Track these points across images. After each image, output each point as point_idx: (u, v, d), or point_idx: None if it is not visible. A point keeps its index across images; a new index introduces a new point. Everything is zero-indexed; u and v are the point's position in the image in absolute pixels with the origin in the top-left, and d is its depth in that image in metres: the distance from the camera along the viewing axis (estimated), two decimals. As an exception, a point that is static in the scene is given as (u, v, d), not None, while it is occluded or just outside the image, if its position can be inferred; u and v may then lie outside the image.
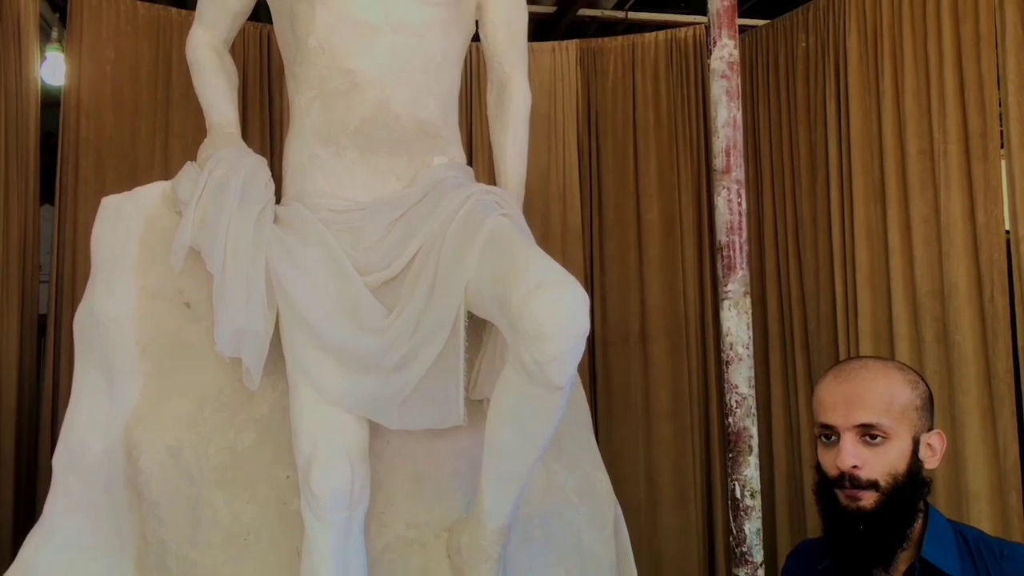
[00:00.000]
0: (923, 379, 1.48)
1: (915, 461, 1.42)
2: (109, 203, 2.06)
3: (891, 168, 3.48)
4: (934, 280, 3.32)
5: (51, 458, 1.97)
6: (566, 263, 4.37)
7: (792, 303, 4.12)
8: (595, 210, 4.65)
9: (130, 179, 4.00)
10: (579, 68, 4.72)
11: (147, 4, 4.28)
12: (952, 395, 3.19)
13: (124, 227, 2.01)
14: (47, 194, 4.20)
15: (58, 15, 4.38)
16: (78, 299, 3.85)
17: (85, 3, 4.14)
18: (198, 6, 2.29)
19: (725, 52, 2.93)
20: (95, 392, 1.99)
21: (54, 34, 4.38)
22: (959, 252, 3.21)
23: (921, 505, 1.44)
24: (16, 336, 3.72)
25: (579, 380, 2.13)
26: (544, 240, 4.34)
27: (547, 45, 4.69)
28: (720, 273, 2.93)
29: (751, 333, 2.91)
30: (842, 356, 3.75)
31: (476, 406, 1.93)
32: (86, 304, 2.06)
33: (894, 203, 3.47)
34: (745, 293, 2.90)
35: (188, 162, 2.06)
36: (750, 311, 2.92)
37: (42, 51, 4.19)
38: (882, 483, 1.40)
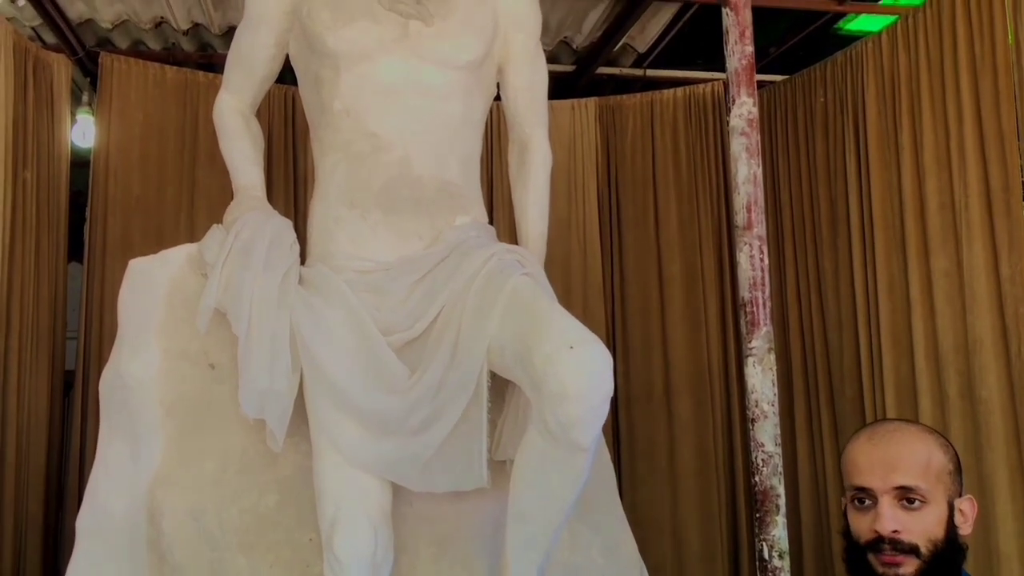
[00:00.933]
0: (952, 447, 1.46)
1: (951, 527, 1.39)
2: (136, 266, 2.09)
3: (912, 222, 3.47)
4: (957, 334, 3.29)
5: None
6: (587, 318, 4.39)
7: (816, 357, 4.09)
8: (616, 265, 4.66)
9: (157, 238, 4.07)
10: (598, 125, 4.77)
11: (175, 68, 4.39)
12: (979, 452, 3.14)
13: (150, 290, 2.03)
14: (75, 251, 4.27)
15: (89, 79, 4.50)
16: (105, 356, 3.90)
17: (115, 68, 4.26)
18: (225, 72, 2.34)
19: (744, 110, 2.96)
20: (119, 454, 2.00)
21: (84, 98, 4.49)
22: (983, 306, 3.17)
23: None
24: (46, 394, 3.76)
25: (603, 439, 2.11)
26: (565, 295, 4.34)
27: (567, 103, 4.75)
28: (744, 329, 2.92)
29: (776, 390, 2.89)
30: (867, 411, 3.70)
31: (500, 467, 1.92)
32: (112, 366, 2.08)
33: (915, 257, 3.45)
34: (769, 349, 2.88)
35: (214, 225, 2.09)
36: (775, 368, 2.89)
37: (73, 114, 4.30)
38: (923, 549, 1.36)
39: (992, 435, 3.11)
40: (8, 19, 3.58)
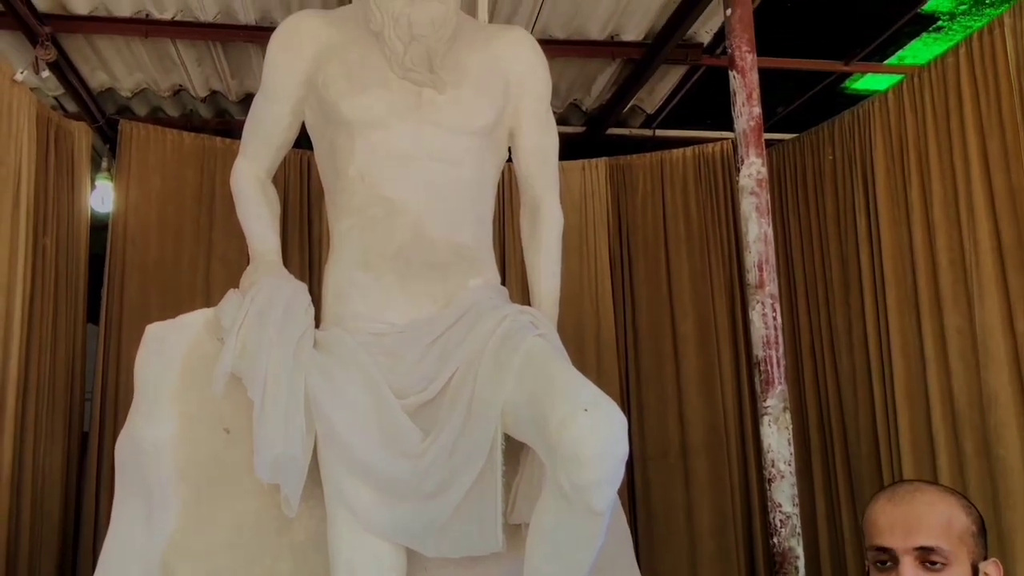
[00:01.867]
0: (975, 507, 1.45)
1: None
2: (153, 331, 2.11)
3: (924, 279, 3.47)
4: (972, 391, 3.26)
5: (90, 584, 1.96)
6: (601, 376, 4.41)
7: (831, 414, 4.07)
8: (629, 322, 4.66)
9: (173, 301, 4.11)
10: (609, 184, 4.82)
11: (192, 134, 4.48)
12: (997, 511, 3.08)
13: (167, 355, 2.05)
14: (92, 312, 4.31)
15: (108, 146, 4.60)
16: (121, 419, 3.92)
17: (134, 134, 4.35)
18: (243, 139, 2.39)
19: (753, 170, 3.00)
20: (134, 519, 2.00)
21: (104, 164, 4.58)
22: (998, 363, 3.15)
23: None
24: (61, 456, 3.77)
25: (619, 501, 2.10)
26: (578, 353, 4.34)
27: (577, 163, 4.81)
28: (758, 388, 2.91)
29: (792, 449, 2.87)
30: (884, 468, 3.66)
31: (515, 531, 1.90)
32: (128, 430, 2.09)
33: (928, 314, 3.44)
34: (784, 408, 2.88)
35: (231, 289, 2.12)
36: (790, 427, 2.89)
37: (92, 180, 4.38)
38: None
39: (1011, 494, 3.06)
40: (32, 89, 3.66)
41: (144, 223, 4.30)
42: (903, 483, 1.52)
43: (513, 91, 2.30)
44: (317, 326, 2.14)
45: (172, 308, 4.07)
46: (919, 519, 1.38)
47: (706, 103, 4.75)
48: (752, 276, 2.94)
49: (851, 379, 3.93)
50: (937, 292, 3.41)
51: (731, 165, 4.52)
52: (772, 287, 2.92)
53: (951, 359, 3.32)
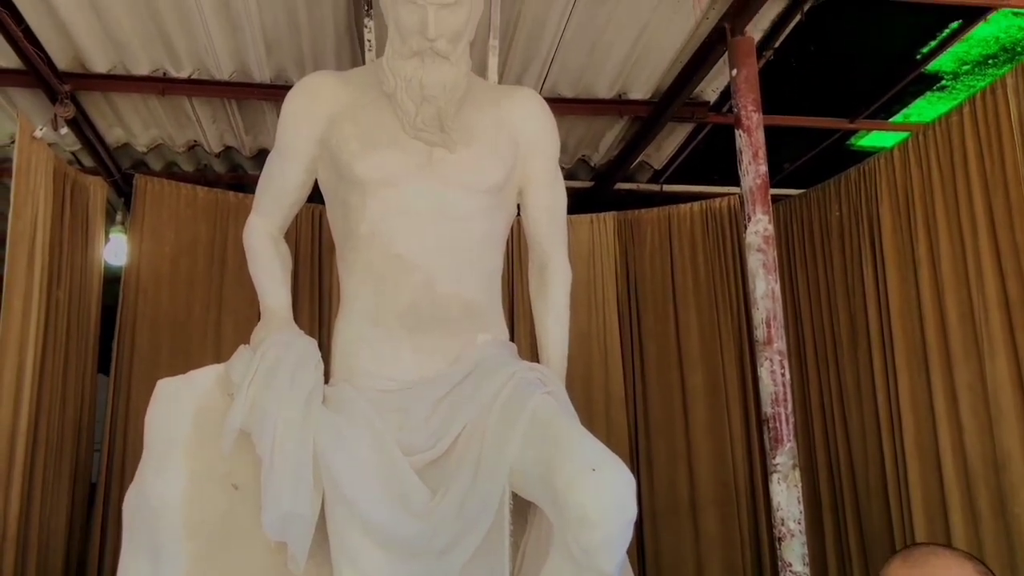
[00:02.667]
0: (991, 572, 1.43)
1: None
2: (164, 386, 2.11)
3: (932, 335, 3.47)
4: (985, 448, 3.23)
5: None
6: (610, 429, 4.39)
7: (842, 471, 4.03)
8: (638, 375, 4.66)
9: (184, 354, 4.14)
10: (617, 238, 4.85)
11: (206, 188, 4.55)
12: (1016, 572, 3.04)
13: (178, 410, 2.05)
14: (102, 363, 4.33)
15: (123, 199, 4.67)
16: (128, 470, 3.93)
17: (148, 188, 4.42)
18: (256, 196, 2.42)
19: (760, 227, 3.03)
20: (141, 574, 1.98)
21: (118, 217, 4.64)
22: (1009, 420, 3.13)
23: None
24: (67, 511, 3.76)
25: (628, 560, 2.08)
26: (587, 407, 4.33)
27: (586, 217, 4.85)
28: (768, 445, 2.90)
29: (802, 507, 2.85)
30: (896, 526, 3.62)
31: (522, 591, 1.89)
32: (136, 485, 2.08)
33: (938, 370, 3.43)
34: (794, 466, 2.87)
35: (242, 345, 2.13)
36: (800, 484, 2.87)
37: (106, 233, 4.44)
38: None
39: (1027, 555, 3.03)
40: (50, 144, 3.73)
41: (156, 276, 4.34)
42: (918, 546, 1.51)
43: (522, 150, 2.33)
44: (326, 382, 2.15)
45: (182, 360, 4.11)
46: None
47: (713, 159, 4.81)
48: (760, 333, 2.95)
49: (861, 436, 3.91)
50: (947, 348, 3.41)
51: (738, 220, 4.56)
52: (780, 344, 2.93)
53: (963, 416, 3.31)
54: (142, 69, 3.81)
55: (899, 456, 3.60)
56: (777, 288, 2.97)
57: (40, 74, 3.53)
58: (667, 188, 5.18)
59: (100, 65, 3.76)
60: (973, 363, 3.29)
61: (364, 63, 3.25)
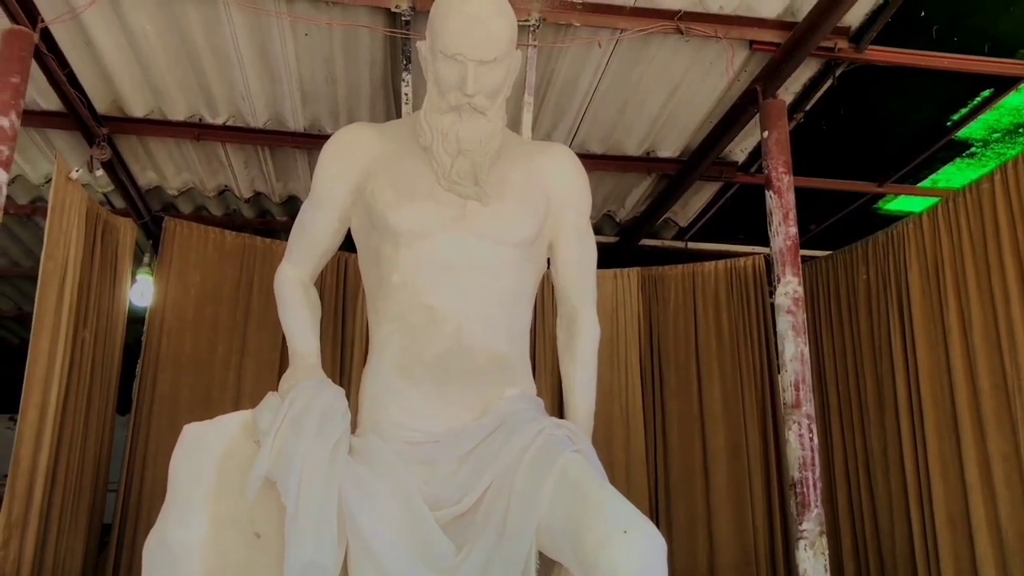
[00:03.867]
0: None
1: None
2: (191, 431, 2.10)
3: (963, 402, 3.42)
4: (1020, 521, 3.16)
5: None
6: (630, 489, 4.33)
7: (867, 539, 3.95)
8: (659, 435, 4.61)
9: (204, 396, 4.13)
10: (641, 294, 4.84)
11: (234, 233, 4.59)
12: (1053, 652, 2.95)
13: (203, 455, 2.03)
14: (121, 402, 4.33)
15: (151, 241, 4.71)
16: (143, 512, 3.91)
17: (177, 231, 4.46)
18: (288, 243, 2.43)
19: (789, 288, 3.01)
20: (158, 622, 1.95)
21: (146, 259, 4.69)
22: (1046, 492, 3.07)
23: None
24: (81, 552, 3.72)
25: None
26: (608, 465, 4.26)
27: (610, 272, 4.85)
28: (794, 511, 2.85)
29: (829, 575, 2.78)
30: (926, 601, 3.53)
31: (546, 653, 1.84)
32: (158, 531, 2.06)
33: (969, 438, 3.37)
34: (821, 532, 2.81)
35: (270, 392, 2.12)
36: (827, 552, 2.81)
37: (133, 274, 4.47)
38: None
39: (1064, 631, 2.94)
40: (84, 185, 3.79)
41: (181, 317, 4.36)
42: None
43: (554, 205, 2.33)
44: (353, 431, 2.13)
45: (202, 402, 4.11)
46: None
47: (739, 218, 4.81)
48: (788, 395, 2.92)
49: (887, 503, 3.83)
50: (979, 416, 3.35)
51: (763, 280, 4.54)
52: (808, 407, 2.90)
53: (997, 486, 3.24)
54: (179, 115, 3.88)
55: (928, 525, 3.52)
56: (806, 351, 2.95)
57: (80, 117, 3.60)
58: (692, 246, 5.18)
59: (138, 110, 3.83)
60: (1007, 432, 3.23)
61: (398, 115, 3.30)
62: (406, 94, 3.09)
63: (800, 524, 2.76)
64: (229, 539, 1.99)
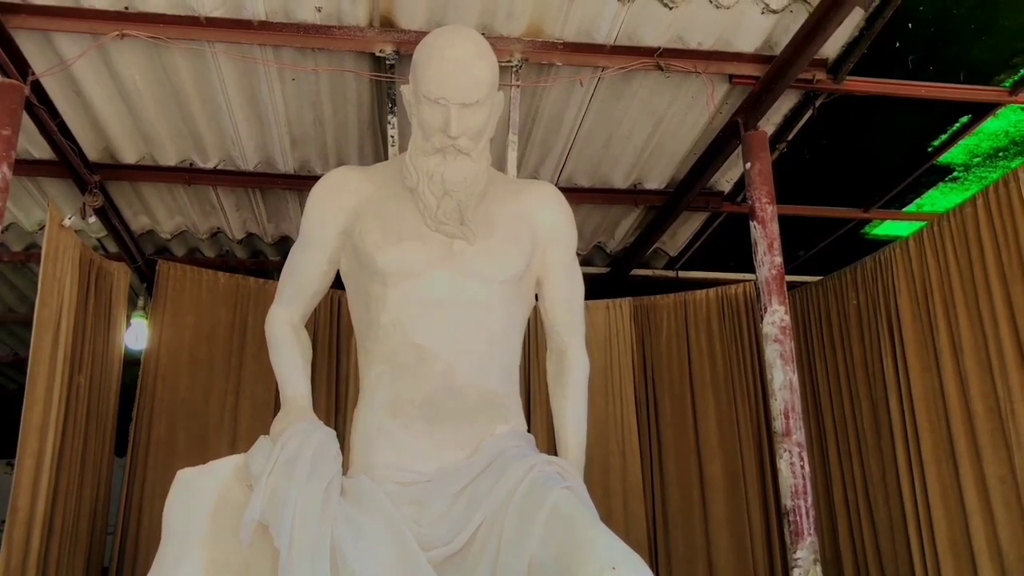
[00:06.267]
0: None
1: None
2: (184, 476, 2.11)
3: (958, 426, 3.42)
4: (1021, 545, 3.15)
5: None
6: (628, 521, 4.32)
7: (869, 566, 3.93)
8: (656, 465, 4.61)
9: (201, 438, 4.14)
10: (633, 323, 4.86)
11: (227, 274, 4.61)
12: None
13: (197, 501, 2.04)
14: (118, 444, 4.33)
15: (145, 285, 4.73)
16: (141, 554, 3.90)
17: (171, 274, 4.49)
18: (279, 285, 2.46)
19: (776, 317, 3.04)
20: (154, 670, 1.95)
21: (140, 302, 4.71)
22: (1043, 515, 3.07)
23: None
24: (80, 599, 3.70)
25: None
26: (604, 496, 4.28)
27: (602, 303, 4.87)
28: (788, 540, 2.85)
29: (826, 604, 2.78)
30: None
31: None
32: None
33: (966, 462, 3.37)
34: (815, 560, 2.81)
35: (262, 436, 2.13)
36: (823, 580, 2.81)
37: (128, 318, 4.49)
38: None
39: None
40: (76, 231, 3.82)
41: (175, 360, 4.37)
42: None
43: (541, 241, 2.36)
44: (345, 472, 2.14)
45: (199, 444, 4.11)
46: None
47: (728, 246, 4.85)
48: (779, 424, 2.93)
49: (888, 529, 3.82)
50: (975, 440, 3.36)
51: (754, 307, 4.56)
52: (799, 435, 2.91)
53: (995, 509, 3.24)
54: (170, 160, 3.92)
55: (929, 551, 3.50)
56: (795, 379, 2.97)
57: (71, 165, 3.64)
58: (683, 274, 5.21)
59: (129, 156, 3.87)
60: (1003, 455, 3.24)
61: (386, 157, 3.34)
62: (392, 136, 3.13)
63: (794, 553, 2.77)
64: (224, 584, 1.99)
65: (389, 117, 3.17)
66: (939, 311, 3.60)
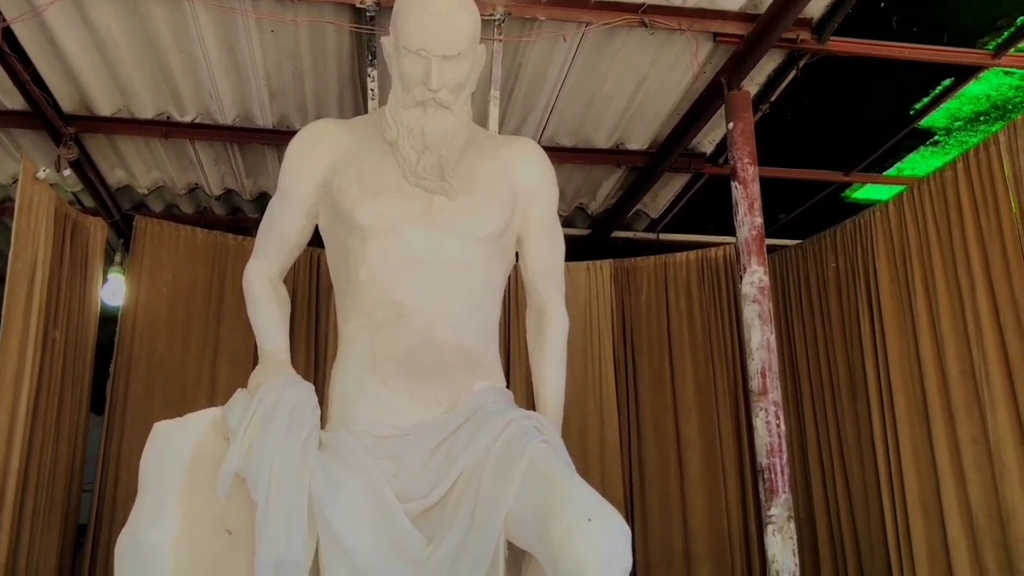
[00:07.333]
0: None
1: None
2: (160, 428, 2.10)
3: (933, 388, 3.46)
4: (990, 503, 3.20)
5: None
6: (605, 479, 4.36)
7: (842, 525, 3.99)
8: (633, 425, 4.64)
9: (178, 396, 4.12)
10: (614, 286, 4.86)
11: (205, 230, 4.57)
12: (1022, 628, 3.01)
13: (173, 454, 2.04)
14: (95, 403, 4.31)
15: (122, 240, 4.68)
16: (119, 510, 3.89)
17: (148, 229, 4.43)
18: (256, 240, 2.44)
19: (755, 278, 3.05)
20: (131, 621, 1.96)
21: (117, 258, 4.66)
22: (1014, 474, 3.10)
23: None
24: (56, 553, 3.70)
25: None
26: (582, 456, 4.31)
27: (582, 264, 4.87)
28: (763, 496, 2.89)
29: (797, 560, 2.83)
30: (897, 583, 3.57)
31: (516, 642, 1.87)
32: (129, 529, 2.06)
33: (940, 424, 3.41)
34: (789, 517, 2.85)
35: (239, 389, 2.12)
36: (795, 536, 2.85)
37: (105, 273, 4.44)
38: None
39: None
40: (52, 185, 3.76)
41: (153, 317, 4.34)
42: None
43: (521, 199, 2.35)
44: (323, 427, 2.14)
45: (176, 401, 4.09)
46: None
47: (709, 209, 4.85)
48: (755, 383, 2.96)
49: (862, 488, 3.87)
50: (948, 402, 3.40)
51: (734, 269, 4.57)
52: (775, 395, 2.93)
53: (966, 470, 3.28)
54: (146, 113, 3.86)
55: (900, 510, 3.56)
56: (773, 339, 2.99)
57: (45, 116, 3.58)
58: (663, 237, 5.22)
59: (105, 108, 3.81)
60: (975, 416, 3.28)
61: (366, 111, 3.30)
62: (372, 89, 3.09)
63: (768, 510, 2.81)
64: (201, 537, 2.00)
65: (369, 70, 3.13)
66: (917, 275, 3.62)
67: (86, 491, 4.17)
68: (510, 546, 1.83)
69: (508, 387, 2.33)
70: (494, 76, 3.16)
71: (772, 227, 4.80)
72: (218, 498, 1.98)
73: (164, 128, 3.91)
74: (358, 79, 3.56)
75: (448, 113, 2.17)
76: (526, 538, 1.77)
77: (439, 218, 2.19)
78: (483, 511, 1.82)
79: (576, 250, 4.85)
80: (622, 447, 4.56)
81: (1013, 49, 3.44)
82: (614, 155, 4.22)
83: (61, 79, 3.58)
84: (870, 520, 3.82)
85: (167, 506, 2.01)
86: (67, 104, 3.74)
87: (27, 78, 3.30)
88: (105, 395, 4.27)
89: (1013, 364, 3.16)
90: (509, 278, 2.47)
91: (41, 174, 3.52)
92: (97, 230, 4.19)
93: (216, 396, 4.10)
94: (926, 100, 3.82)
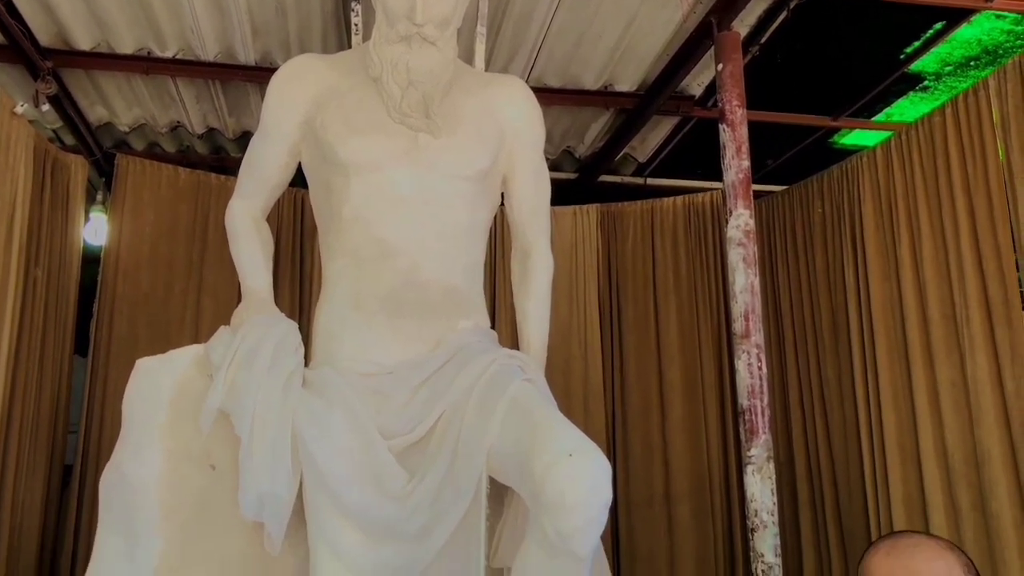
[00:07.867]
0: (973, 564, 1.43)
1: None
2: (143, 365, 2.10)
3: (914, 332, 3.49)
4: (966, 446, 3.25)
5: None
6: (588, 421, 4.41)
7: (821, 467, 4.05)
8: (617, 369, 4.67)
9: (163, 336, 4.11)
10: (600, 231, 4.86)
11: (188, 169, 4.51)
12: (994, 567, 3.07)
13: (156, 389, 2.04)
14: (80, 345, 4.30)
15: (104, 179, 4.62)
16: (105, 452, 3.91)
17: (130, 168, 4.38)
18: (238, 178, 2.41)
19: (741, 221, 3.05)
20: (116, 555, 1.97)
21: (99, 197, 4.60)
22: (989, 418, 3.15)
23: None
24: (42, 491, 3.72)
25: (602, 546, 2.10)
26: (566, 398, 4.35)
27: (569, 209, 4.85)
28: (743, 437, 2.93)
29: (776, 499, 2.88)
30: (873, 524, 3.64)
31: (497, 575, 1.90)
32: (113, 464, 2.07)
33: (919, 367, 3.45)
34: (768, 458, 2.90)
35: (222, 326, 2.12)
36: (774, 476, 2.90)
37: (86, 213, 4.40)
38: None
39: (1006, 549, 3.04)
40: (31, 122, 3.69)
41: (136, 256, 4.31)
42: (901, 535, 1.50)
43: (508, 138, 2.33)
44: (307, 365, 2.15)
45: (161, 341, 4.08)
46: (917, 574, 1.37)
47: (697, 153, 4.82)
48: (738, 326, 2.97)
49: (841, 431, 3.93)
50: (928, 346, 3.42)
51: (720, 215, 4.57)
52: (758, 337, 2.95)
53: (944, 413, 3.32)
54: (126, 48, 3.78)
55: (879, 452, 3.61)
56: (756, 282, 3.00)
57: (22, 49, 3.50)
58: (651, 182, 5.19)
59: (84, 42, 3.73)
60: (955, 361, 3.31)
61: (350, 47, 3.24)
62: (356, 24, 3.03)
63: (748, 450, 2.85)
64: (184, 472, 2.01)
65: (353, 5, 3.06)
66: (902, 221, 3.62)
67: (72, 432, 4.18)
68: (493, 482, 1.85)
69: (493, 328, 2.34)
70: (481, 13, 3.09)
71: (760, 173, 4.79)
72: (202, 434, 1.98)
73: (145, 64, 3.84)
74: (342, 15, 3.49)
75: (433, 48, 2.14)
76: (508, 474, 1.79)
77: (424, 156, 2.17)
78: (465, 447, 1.83)
79: (563, 194, 4.82)
80: (605, 390, 4.60)
81: (1007, -9, 3.41)
82: (602, 96, 4.18)
83: (37, 10, 3.49)
84: (848, 461, 3.88)
85: (150, 442, 2.01)
86: (44, 37, 3.66)
87: (2, 8, 3.22)
88: (89, 337, 4.25)
89: (993, 309, 3.19)
90: (495, 219, 2.46)
91: (19, 109, 3.46)
92: (78, 168, 4.13)
93: (200, 335, 4.10)
94: (917, 44, 3.78)
